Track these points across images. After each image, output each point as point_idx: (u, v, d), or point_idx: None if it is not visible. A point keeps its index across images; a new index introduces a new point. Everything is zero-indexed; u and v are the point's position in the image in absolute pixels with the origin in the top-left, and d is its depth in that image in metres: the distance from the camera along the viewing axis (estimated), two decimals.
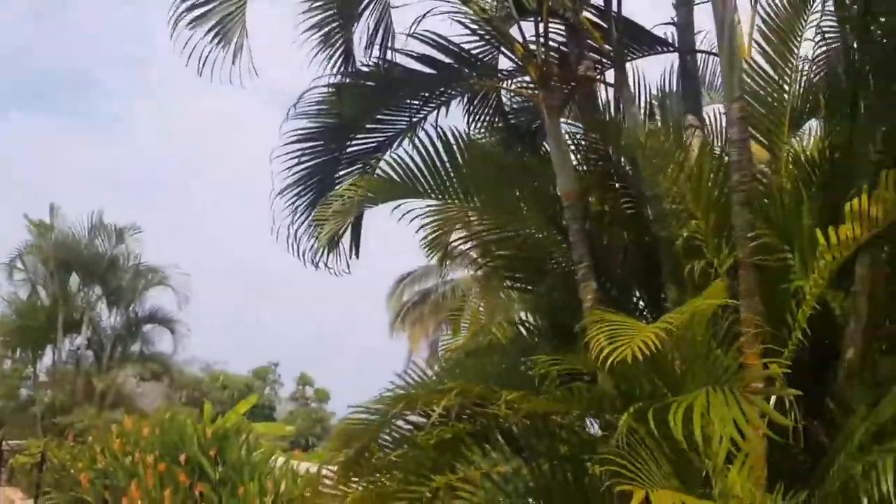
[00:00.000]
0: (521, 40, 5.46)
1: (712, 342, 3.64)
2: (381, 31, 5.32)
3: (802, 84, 5.04)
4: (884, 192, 3.34)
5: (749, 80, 5.19)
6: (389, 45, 5.38)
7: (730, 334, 3.80)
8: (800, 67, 5.02)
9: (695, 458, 3.44)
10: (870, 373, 3.81)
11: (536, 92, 5.22)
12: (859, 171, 3.88)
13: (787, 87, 5.01)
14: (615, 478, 3.34)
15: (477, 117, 6.34)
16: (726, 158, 4.41)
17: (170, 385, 23.90)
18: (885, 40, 3.84)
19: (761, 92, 5.12)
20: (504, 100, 6.46)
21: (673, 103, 6.00)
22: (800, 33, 5.07)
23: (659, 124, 6.01)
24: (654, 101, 6.12)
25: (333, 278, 5.29)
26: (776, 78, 5.09)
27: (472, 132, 6.25)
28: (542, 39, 5.27)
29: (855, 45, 4.02)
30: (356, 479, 4.70)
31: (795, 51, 5.08)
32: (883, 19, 3.79)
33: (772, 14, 5.16)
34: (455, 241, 6.29)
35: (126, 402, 20.60)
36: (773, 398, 3.84)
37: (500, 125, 6.46)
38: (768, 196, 4.17)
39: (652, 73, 6.18)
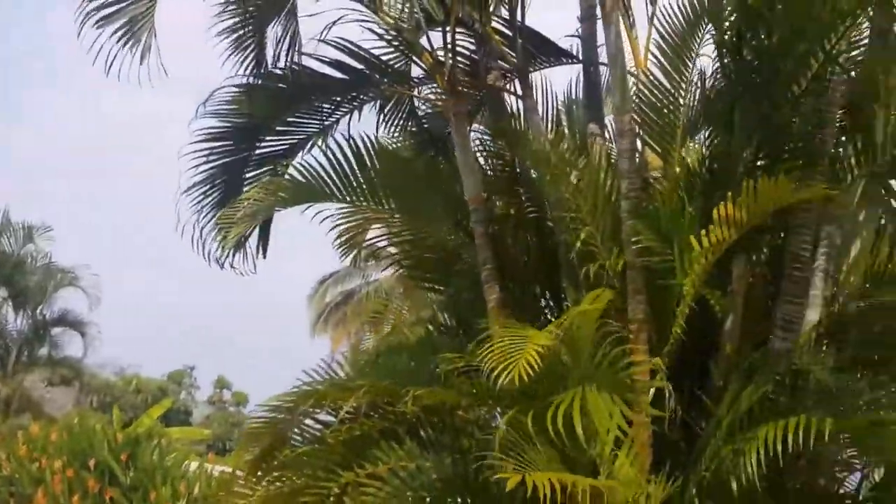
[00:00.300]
0: (431, 49, 5.66)
1: (599, 340, 3.90)
2: (288, 37, 5.41)
3: (697, 96, 5.37)
4: (745, 200, 3.66)
5: (646, 91, 5.53)
6: (298, 49, 5.47)
7: (615, 332, 4.07)
8: (694, 80, 5.36)
9: (583, 448, 3.68)
10: (744, 366, 4.13)
11: (445, 99, 5.41)
12: (734, 180, 4.21)
13: (681, 99, 5.35)
14: (500, 469, 3.55)
15: (391, 122, 6.49)
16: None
17: (80, 390, 23.12)
18: (755, 63, 4.18)
19: (657, 103, 5.46)
20: (418, 104, 6.65)
21: (577, 113, 6.29)
22: (694, 49, 5.41)
23: (565, 132, 6.32)
24: (561, 110, 6.40)
25: (252, 279, 5.37)
26: (671, 90, 5.43)
27: (386, 136, 6.42)
28: (450, 49, 5.47)
29: (731, 65, 4.35)
30: (266, 478, 4.77)
31: (689, 65, 5.42)
32: (754, 43, 4.13)
33: (668, 29, 5.50)
34: (370, 240, 6.41)
35: (33, 408, 19.84)
36: (653, 390, 4.14)
37: (414, 129, 6.62)
38: (655, 202, 4.46)
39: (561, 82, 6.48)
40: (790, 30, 3.86)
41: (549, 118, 6.27)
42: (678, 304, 4.13)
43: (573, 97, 6.39)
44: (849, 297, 4.42)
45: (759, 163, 4.37)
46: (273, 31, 5.42)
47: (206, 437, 18.38)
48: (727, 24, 4.25)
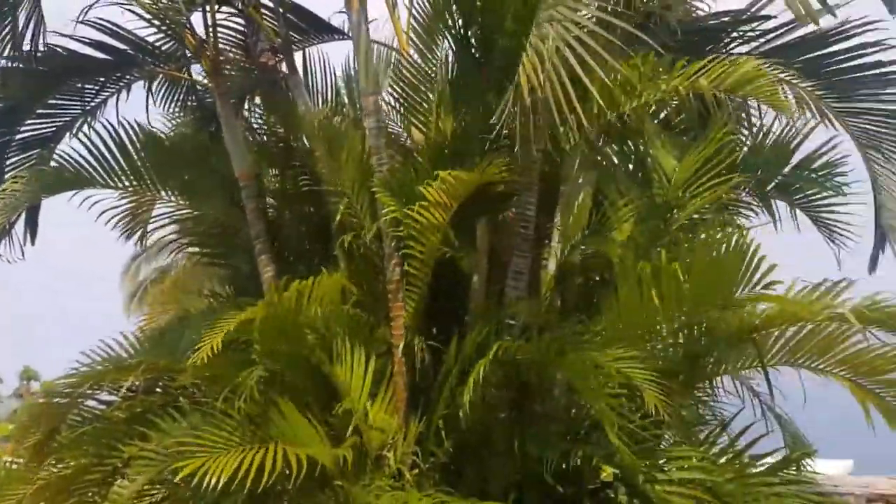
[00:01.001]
0: (199, 29, 5.78)
1: (347, 304, 4.36)
2: (33, 18, 5.33)
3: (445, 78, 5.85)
4: (444, 186, 4.24)
5: (404, 71, 5.99)
6: (43, 31, 5.40)
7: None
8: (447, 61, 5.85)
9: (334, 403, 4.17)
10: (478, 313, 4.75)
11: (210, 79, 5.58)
12: (471, 154, 4.78)
13: (435, 79, 5.85)
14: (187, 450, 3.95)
15: (169, 99, 6.53)
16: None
17: None
18: (478, 46, 4.71)
19: (414, 81, 5.94)
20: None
21: (352, 88, 6.64)
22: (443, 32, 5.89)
23: (344, 104, 6.66)
24: (340, 84, 6.72)
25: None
26: (426, 70, 5.93)
27: (164, 114, 6.46)
28: (212, 29, 5.62)
29: (461, 49, 4.87)
30: (47, 462, 4.86)
31: (440, 47, 5.91)
32: (475, 27, 4.66)
33: (421, 13, 5.95)
34: (154, 219, 6.46)
35: None
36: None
37: (194, 105, 6.70)
38: (405, 174, 4.94)
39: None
40: (499, 16, 4.38)
41: (328, 93, 6.61)
42: (427, 266, 4.65)
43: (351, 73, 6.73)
44: (572, 248, 5.15)
45: (493, 136, 4.93)
46: (23, 12, 5.30)
47: (10, 431, 17.35)
48: (455, 11, 4.73)
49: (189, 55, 6.10)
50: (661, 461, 4.10)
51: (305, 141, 5.87)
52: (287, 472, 4.03)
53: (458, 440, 4.30)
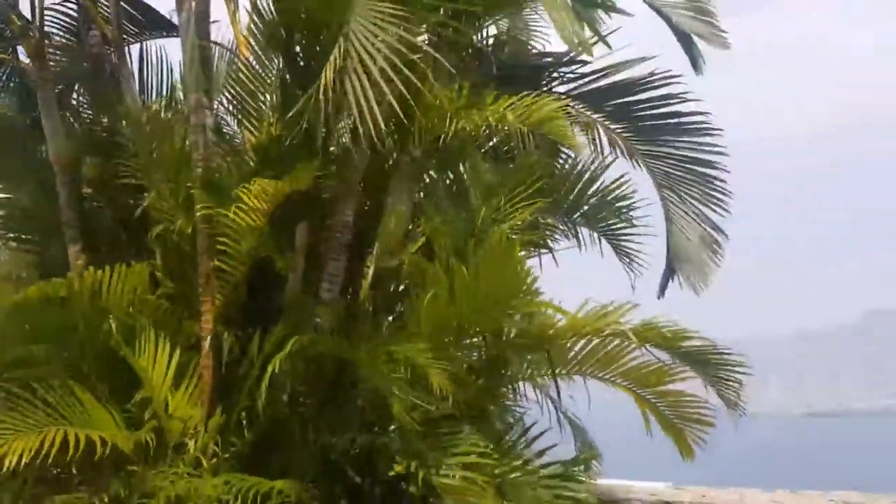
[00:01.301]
0: (28, 14, 5.64)
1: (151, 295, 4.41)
2: None
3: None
4: (256, 193, 4.43)
5: (242, 76, 6.09)
6: None
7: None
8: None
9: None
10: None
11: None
12: (297, 159, 4.96)
13: (269, 83, 5.99)
14: None
15: None
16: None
17: None
18: (302, 62, 4.94)
19: (249, 85, 6.05)
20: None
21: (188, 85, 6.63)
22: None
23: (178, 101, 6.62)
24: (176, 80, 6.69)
25: None
26: (263, 75, 6.06)
27: None
28: (39, 13, 5.51)
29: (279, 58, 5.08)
30: None
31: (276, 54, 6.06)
32: (302, 40, 4.88)
33: (257, 20, 6.09)
34: None
35: None
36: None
37: (18, 86, 6.45)
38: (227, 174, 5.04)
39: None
40: (319, 29, 4.61)
41: (163, 88, 6.57)
42: (242, 264, 4.76)
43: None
44: (388, 256, 5.42)
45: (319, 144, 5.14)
46: None
47: None
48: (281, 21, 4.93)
49: (14, 37, 5.92)
50: (450, 449, 4.37)
51: (130, 132, 5.84)
52: (88, 455, 4.00)
53: (259, 431, 4.42)
